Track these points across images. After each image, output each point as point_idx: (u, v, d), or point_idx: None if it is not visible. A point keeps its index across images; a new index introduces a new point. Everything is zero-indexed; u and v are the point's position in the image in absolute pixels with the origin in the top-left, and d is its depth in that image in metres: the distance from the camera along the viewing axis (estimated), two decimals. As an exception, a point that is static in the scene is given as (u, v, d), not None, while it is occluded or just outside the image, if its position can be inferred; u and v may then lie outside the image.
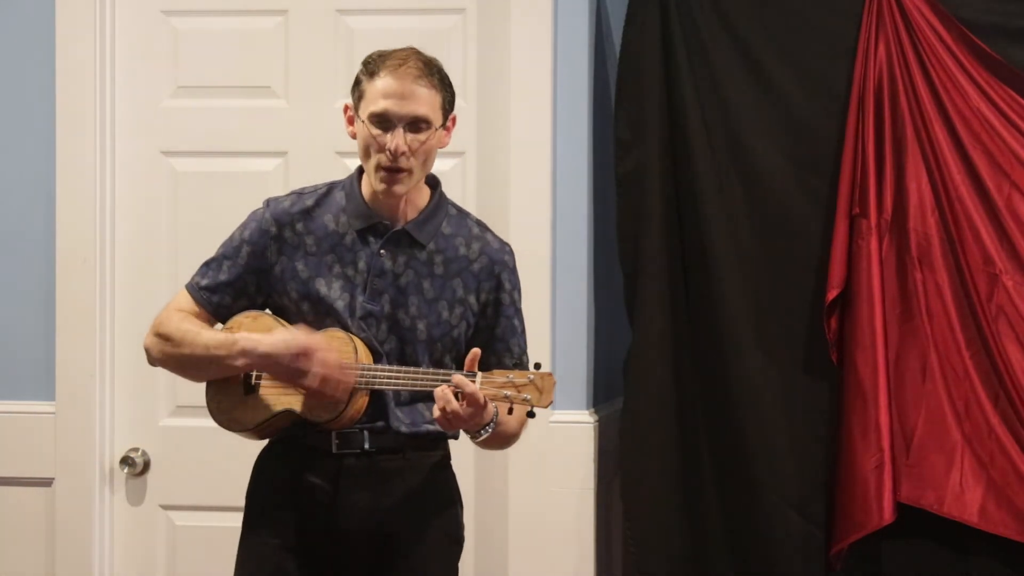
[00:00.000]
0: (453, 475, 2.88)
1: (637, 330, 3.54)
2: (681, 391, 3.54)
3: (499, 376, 2.60)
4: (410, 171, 2.71)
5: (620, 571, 3.67)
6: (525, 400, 2.57)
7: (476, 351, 2.63)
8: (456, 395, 2.60)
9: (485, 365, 2.72)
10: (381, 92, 2.68)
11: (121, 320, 3.70)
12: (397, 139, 2.67)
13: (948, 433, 3.36)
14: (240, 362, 2.69)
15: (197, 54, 3.71)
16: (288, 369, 2.65)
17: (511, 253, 2.86)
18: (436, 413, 2.62)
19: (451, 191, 3.60)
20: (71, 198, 3.66)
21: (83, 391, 3.65)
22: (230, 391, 2.76)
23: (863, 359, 3.36)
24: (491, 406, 2.63)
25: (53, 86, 3.66)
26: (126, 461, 3.67)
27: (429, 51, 3.61)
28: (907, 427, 3.37)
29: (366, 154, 2.72)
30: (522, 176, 3.56)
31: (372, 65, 2.72)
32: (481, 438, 2.70)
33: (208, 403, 2.80)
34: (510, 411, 2.61)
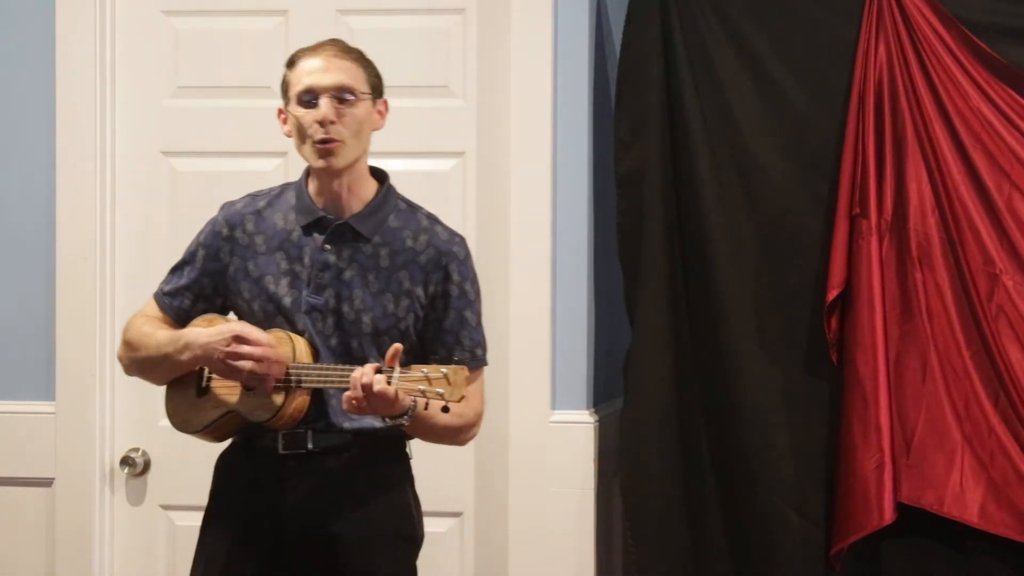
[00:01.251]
0: (407, 472, 2.88)
1: (637, 330, 3.54)
2: (681, 391, 3.54)
3: (416, 371, 2.60)
4: (343, 142, 2.75)
5: (620, 571, 3.67)
6: (438, 395, 2.57)
7: (397, 346, 2.61)
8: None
9: (435, 357, 2.78)
10: (304, 72, 2.78)
11: (121, 320, 3.67)
12: (323, 108, 2.74)
13: (948, 433, 3.36)
14: (186, 356, 2.75)
15: (197, 54, 3.71)
16: (224, 355, 2.69)
17: (462, 244, 2.87)
18: (344, 401, 2.63)
19: (451, 191, 3.62)
20: (71, 198, 3.66)
21: (83, 391, 3.65)
22: (186, 393, 2.82)
23: (863, 359, 3.36)
24: (406, 398, 2.62)
25: (53, 86, 3.66)
26: (126, 461, 3.67)
27: (429, 51, 3.63)
28: (907, 427, 3.37)
29: (300, 138, 2.77)
30: (522, 176, 3.55)
31: (292, 58, 2.83)
32: (392, 424, 2.67)
33: (165, 406, 2.87)
34: (426, 406, 2.62)
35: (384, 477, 2.83)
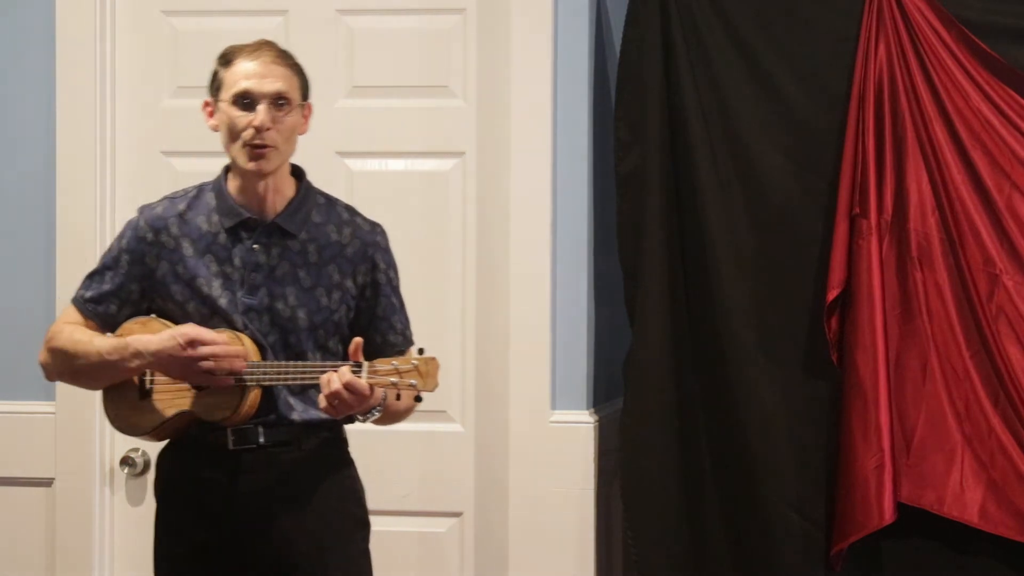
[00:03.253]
0: (350, 458, 2.92)
1: (637, 330, 3.54)
2: (681, 391, 3.54)
3: (383, 364, 2.65)
4: (276, 147, 2.78)
5: (620, 571, 3.67)
6: (411, 386, 2.62)
7: (359, 340, 2.68)
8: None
9: (371, 343, 2.80)
10: (242, 74, 2.78)
11: (121, 320, 3.70)
12: (261, 115, 2.76)
13: (948, 433, 3.36)
14: (134, 364, 2.76)
15: (197, 54, 3.69)
16: (180, 360, 2.70)
17: (383, 234, 2.92)
18: (322, 402, 2.68)
19: (451, 191, 3.62)
20: (71, 198, 3.66)
21: (83, 391, 3.63)
22: (126, 396, 2.83)
23: (863, 359, 3.36)
24: (378, 391, 2.68)
25: (53, 86, 3.66)
26: (126, 461, 3.67)
27: (429, 51, 3.62)
28: (907, 427, 3.37)
29: (231, 137, 2.79)
30: (522, 176, 3.55)
31: (228, 55, 2.83)
32: (369, 420, 2.76)
33: (105, 410, 2.87)
34: (398, 397, 2.66)
35: (333, 465, 2.88)
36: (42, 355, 2.89)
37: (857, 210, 3.39)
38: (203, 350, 2.70)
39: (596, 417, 3.58)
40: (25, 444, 3.67)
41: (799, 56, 3.47)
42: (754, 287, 3.48)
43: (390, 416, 2.84)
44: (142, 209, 2.90)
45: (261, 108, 2.76)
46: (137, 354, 2.75)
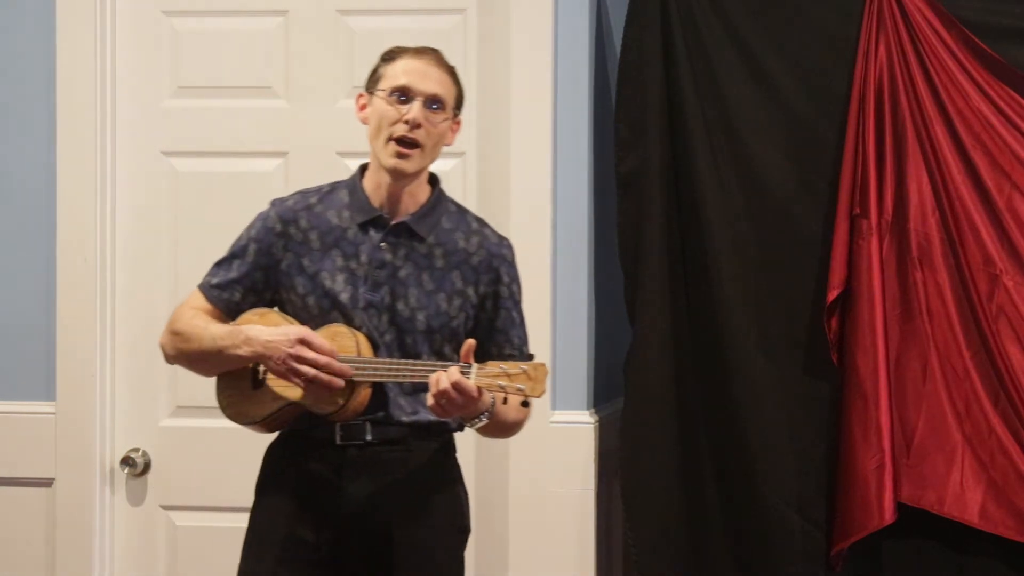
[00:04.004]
0: (457, 464, 2.92)
1: (637, 330, 3.54)
2: (681, 391, 3.54)
3: (493, 367, 2.66)
4: (422, 148, 2.79)
5: (620, 571, 3.67)
6: (519, 390, 2.63)
7: (471, 342, 2.70)
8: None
9: (486, 355, 2.81)
10: (403, 70, 2.80)
11: (121, 320, 3.70)
12: (415, 110, 2.77)
13: (948, 433, 3.36)
14: (244, 351, 2.76)
15: (197, 54, 3.71)
16: (284, 356, 2.70)
17: (510, 248, 2.93)
18: (429, 401, 2.68)
19: (451, 191, 3.59)
20: (71, 198, 3.66)
21: (83, 391, 3.65)
22: (239, 386, 2.83)
23: (864, 359, 3.36)
24: (487, 396, 2.70)
25: (53, 86, 3.66)
26: (126, 461, 3.67)
27: (429, 51, 3.61)
28: (908, 427, 3.37)
29: (378, 130, 2.79)
30: (522, 176, 3.56)
31: (392, 53, 2.84)
32: (477, 426, 2.77)
33: (218, 398, 2.86)
34: (504, 400, 2.67)
35: (438, 469, 2.88)
36: (163, 337, 2.89)
37: (857, 210, 3.39)
38: (309, 355, 2.69)
39: (596, 417, 3.58)
40: (25, 444, 3.66)
41: (799, 56, 3.47)
42: (754, 287, 3.48)
43: (499, 425, 2.84)
44: (274, 202, 2.90)
45: (416, 104, 2.77)
46: (248, 341, 2.75)
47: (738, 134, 3.49)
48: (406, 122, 2.76)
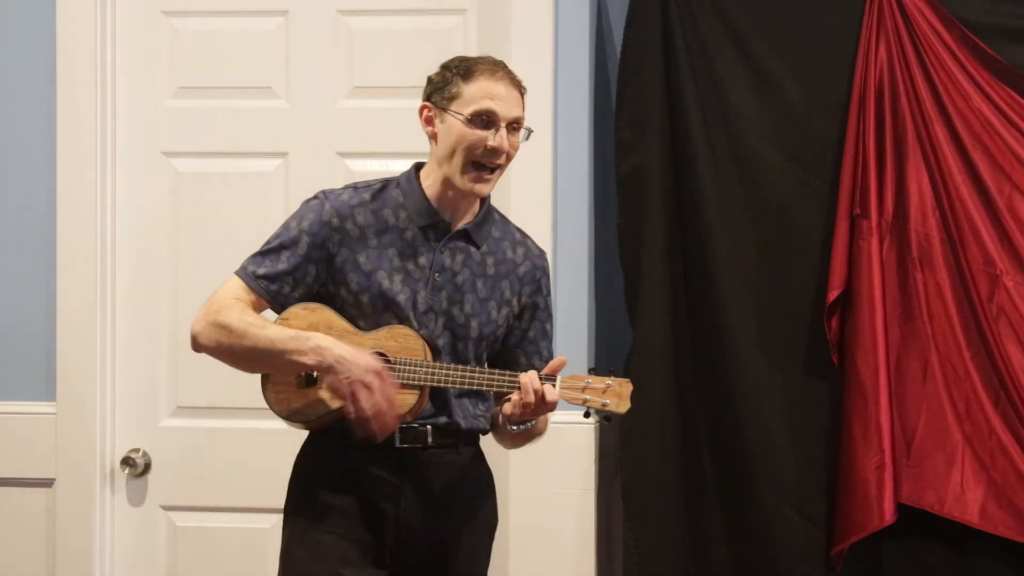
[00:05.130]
0: (487, 464, 2.95)
1: (637, 330, 3.54)
2: (681, 391, 3.54)
3: (579, 381, 2.70)
4: (500, 170, 2.79)
5: (620, 571, 3.67)
6: (604, 405, 2.68)
7: (563, 359, 2.74)
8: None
9: (515, 364, 2.86)
10: (486, 93, 2.75)
11: (121, 320, 3.70)
12: (501, 138, 2.74)
13: (949, 433, 3.36)
14: (310, 359, 2.69)
15: (197, 54, 3.71)
16: (357, 381, 2.67)
17: (547, 260, 2.96)
18: (514, 399, 2.71)
19: (451, 191, 3.61)
20: (71, 198, 3.65)
21: (83, 391, 3.65)
22: (288, 381, 2.77)
23: (864, 360, 3.36)
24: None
25: (53, 86, 3.66)
26: (127, 462, 3.67)
27: (429, 51, 3.61)
28: (908, 428, 3.37)
29: (453, 151, 2.75)
30: (522, 176, 3.55)
31: (463, 68, 2.78)
32: (520, 429, 2.79)
33: (266, 394, 2.78)
34: (586, 414, 2.72)
35: (482, 471, 2.91)
36: (200, 325, 2.75)
37: (858, 210, 3.39)
38: (376, 385, 2.67)
39: (597, 417, 3.58)
40: (25, 444, 3.66)
41: (800, 56, 3.47)
42: (755, 287, 3.48)
43: (529, 436, 2.87)
44: (325, 194, 2.82)
45: (503, 131, 2.74)
46: (317, 351, 2.68)
47: (738, 134, 3.49)
48: (491, 149, 2.73)
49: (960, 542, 3.38)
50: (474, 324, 2.81)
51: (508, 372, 2.74)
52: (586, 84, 3.58)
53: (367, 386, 2.66)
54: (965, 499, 3.34)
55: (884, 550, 3.43)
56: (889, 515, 3.33)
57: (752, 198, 3.49)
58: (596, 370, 2.96)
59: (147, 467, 3.70)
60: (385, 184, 2.85)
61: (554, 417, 3.51)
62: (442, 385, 2.73)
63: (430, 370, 2.71)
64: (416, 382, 2.71)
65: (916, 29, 3.39)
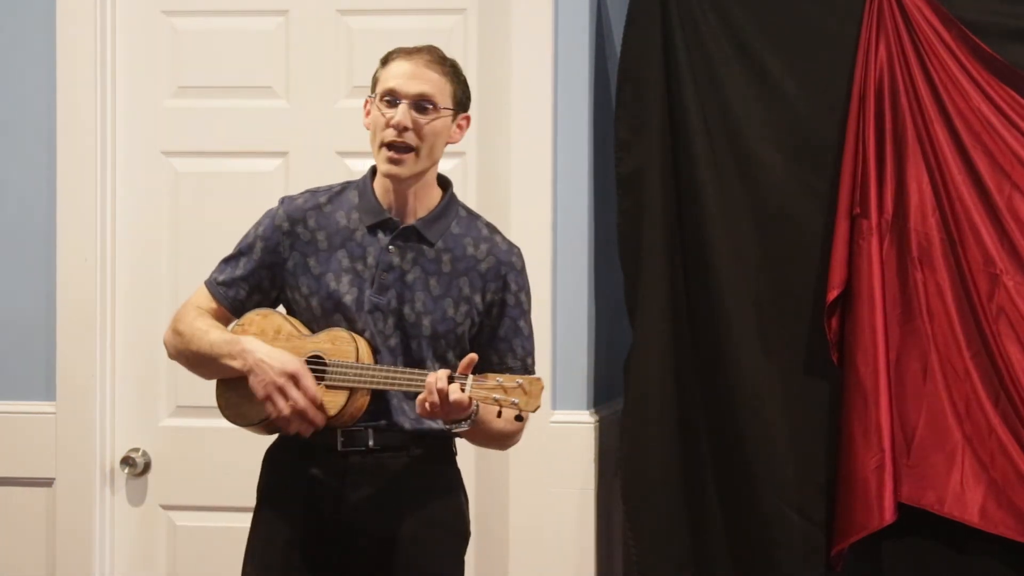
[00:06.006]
0: (458, 470, 2.91)
1: (637, 330, 3.54)
2: (681, 391, 3.54)
3: (489, 380, 2.63)
4: (415, 151, 2.76)
5: (620, 571, 3.67)
6: (513, 404, 2.60)
7: (472, 356, 2.66)
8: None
9: (487, 363, 2.79)
10: (392, 73, 2.77)
11: (121, 320, 3.70)
12: (399, 114, 2.73)
13: (949, 433, 3.36)
14: (237, 363, 2.74)
15: (197, 54, 3.71)
16: (270, 383, 2.69)
17: (519, 256, 2.90)
18: (419, 399, 2.66)
19: (452, 191, 3.61)
20: (71, 198, 3.66)
21: (83, 391, 3.65)
22: (238, 387, 2.80)
23: (864, 359, 3.36)
24: (473, 404, 2.66)
25: (54, 86, 3.66)
26: (127, 461, 3.67)
27: (429, 51, 3.61)
28: (908, 427, 3.37)
29: (373, 136, 2.78)
30: (522, 176, 3.56)
31: (387, 56, 2.81)
32: (456, 430, 2.74)
33: (217, 399, 2.84)
34: (499, 414, 2.65)
35: (439, 476, 2.86)
36: (167, 334, 2.87)
37: (858, 210, 3.39)
38: (292, 393, 2.68)
39: (596, 417, 3.58)
40: (25, 444, 3.66)
41: (799, 56, 3.47)
42: (755, 287, 3.48)
43: (487, 434, 2.81)
44: (283, 200, 2.87)
45: (401, 108, 2.74)
46: (243, 353, 2.73)
47: (738, 134, 3.49)
48: (392, 127, 2.73)
49: (960, 542, 3.38)
50: (426, 322, 2.78)
51: (419, 372, 2.70)
52: (586, 84, 3.58)
53: (280, 388, 2.68)
54: (965, 499, 3.33)
55: (884, 550, 3.42)
56: (889, 515, 3.33)
57: (752, 198, 3.49)
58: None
59: (147, 467, 3.70)
60: (345, 186, 2.88)
61: (554, 417, 3.54)
62: (366, 386, 2.72)
63: (358, 371, 2.71)
64: (344, 384, 2.71)
65: (916, 29, 3.39)
